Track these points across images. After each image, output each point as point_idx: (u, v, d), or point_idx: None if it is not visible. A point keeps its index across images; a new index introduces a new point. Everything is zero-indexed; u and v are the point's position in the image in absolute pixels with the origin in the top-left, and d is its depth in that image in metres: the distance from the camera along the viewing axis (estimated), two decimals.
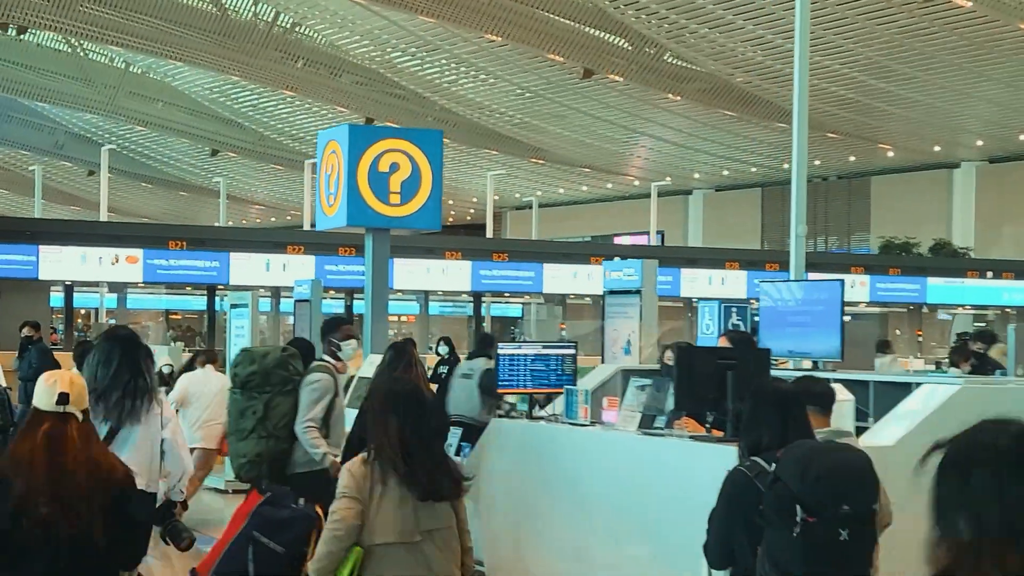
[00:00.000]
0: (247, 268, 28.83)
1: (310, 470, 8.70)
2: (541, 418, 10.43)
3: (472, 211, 56.25)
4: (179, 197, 58.55)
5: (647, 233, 43.09)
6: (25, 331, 18.69)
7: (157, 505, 7.07)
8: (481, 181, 49.93)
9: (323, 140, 13.93)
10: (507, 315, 40.91)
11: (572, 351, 11.30)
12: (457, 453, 11.83)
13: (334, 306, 31.64)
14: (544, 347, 11.27)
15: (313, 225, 36.91)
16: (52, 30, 40.62)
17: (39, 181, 39.07)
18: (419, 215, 13.37)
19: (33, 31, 41.77)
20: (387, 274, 13.73)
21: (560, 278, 31.72)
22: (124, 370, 7.12)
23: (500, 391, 11.01)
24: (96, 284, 31.12)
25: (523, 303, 39.38)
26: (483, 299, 33.45)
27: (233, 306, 17.13)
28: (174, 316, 44.14)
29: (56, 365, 12.46)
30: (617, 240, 50.26)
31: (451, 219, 55.61)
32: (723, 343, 9.77)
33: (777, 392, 5.49)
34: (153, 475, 7.17)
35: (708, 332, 12.55)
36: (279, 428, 8.82)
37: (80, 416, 5.23)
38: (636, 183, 51.00)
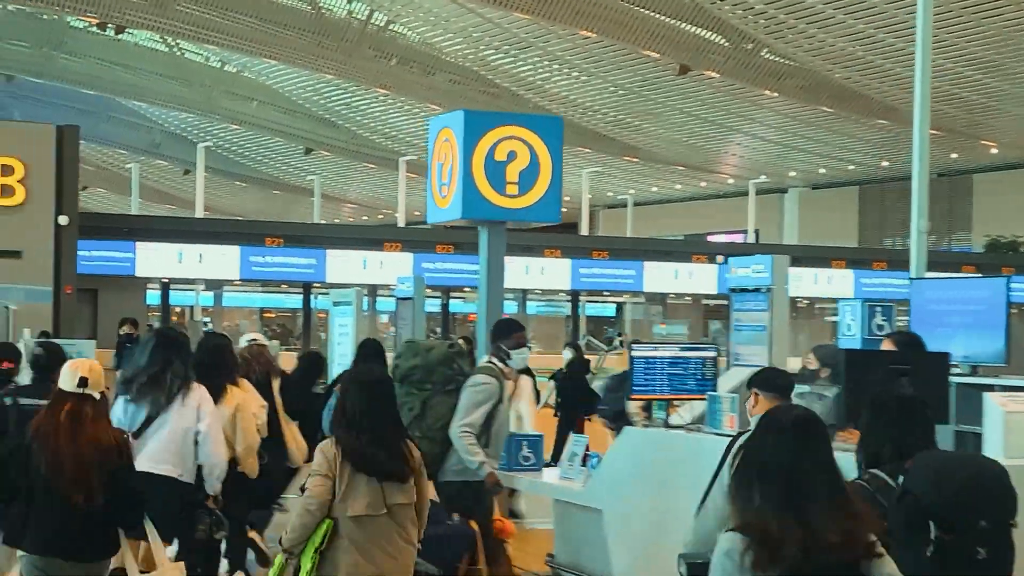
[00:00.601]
0: (344, 265, 28.01)
1: (463, 480, 7.97)
2: (679, 427, 9.43)
3: (564, 210, 54.91)
4: (272, 196, 58.10)
5: (742, 232, 41.90)
6: (124, 328, 17.84)
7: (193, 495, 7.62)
8: (574, 180, 48.91)
9: (435, 128, 12.92)
10: (601, 314, 39.88)
11: (713, 353, 10.21)
12: (584, 462, 10.73)
13: (430, 305, 30.77)
14: (682, 349, 10.18)
15: (408, 223, 36.17)
16: (149, 29, 40.24)
17: (136, 179, 38.62)
18: (538, 207, 12.31)
19: (131, 31, 41.38)
20: (503, 271, 12.72)
21: (661, 276, 30.59)
22: (155, 362, 7.64)
23: (634, 397, 9.98)
24: (192, 281, 30.42)
25: (617, 302, 38.32)
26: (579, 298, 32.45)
27: (336, 304, 16.26)
28: (267, 315, 43.53)
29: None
30: (711, 239, 48.97)
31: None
32: (888, 346, 8.69)
33: (900, 400, 5.02)
34: (186, 464, 7.59)
35: (850, 334, 11.39)
36: (434, 429, 8.06)
37: (97, 396, 6.23)
38: (731, 181, 49.78)
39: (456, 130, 12.32)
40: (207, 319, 35.47)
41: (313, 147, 50.54)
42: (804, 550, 3.54)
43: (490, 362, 8.44)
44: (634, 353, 9.83)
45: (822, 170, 48.00)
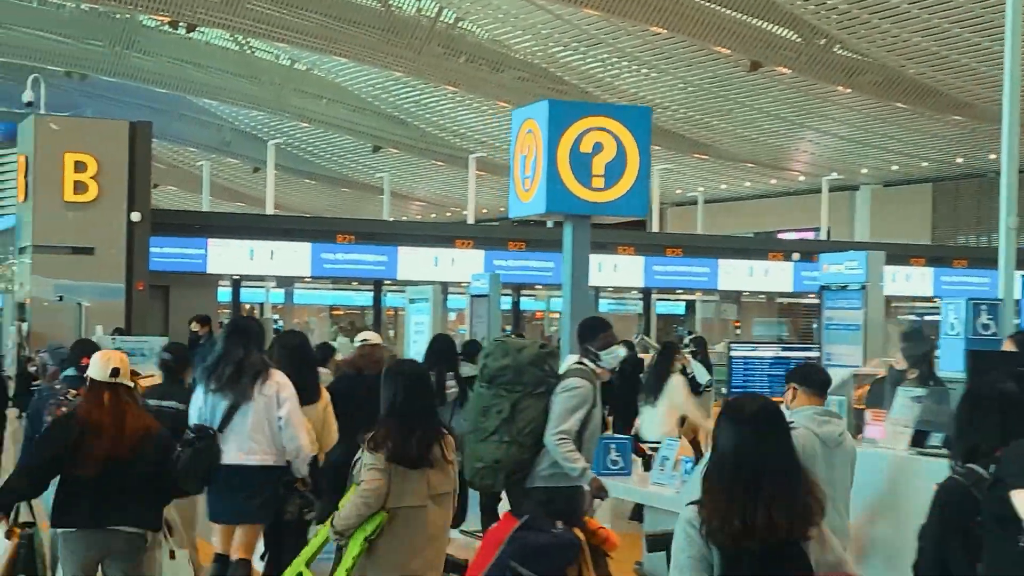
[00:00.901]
0: (415, 262, 27.58)
1: (554, 485, 7.48)
2: None
3: None
4: (341, 193, 57.85)
5: (812, 230, 41.10)
6: (193, 326, 17.39)
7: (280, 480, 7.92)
8: None
9: (518, 119, 12.42)
10: (671, 312, 39.24)
11: (816, 353, 9.63)
12: (676, 467, 10.22)
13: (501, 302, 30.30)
14: (784, 348, 9.60)
15: (477, 220, 35.72)
16: (220, 28, 40.04)
17: (207, 177, 38.42)
18: (624, 201, 11.76)
19: (202, 29, 41.24)
20: (587, 267, 12.17)
21: (735, 274, 29.92)
22: (234, 352, 7.98)
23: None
24: (264, 278, 30.12)
25: (686, 300, 37.66)
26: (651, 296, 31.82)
27: (412, 301, 15.83)
28: (336, 312, 43.22)
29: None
30: (781, 237, 48.16)
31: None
32: (1009, 347, 8.12)
33: (1000, 393, 4.87)
34: (270, 448, 7.89)
35: (953, 333, 10.74)
36: (524, 434, 7.57)
37: (131, 385, 7.01)
38: (801, 178, 48.91)
39: (540, 121, 11.82)
40: (276, 316, 35.24)
41: (381, 145, 50.22)
42: (749, 528, 4.01)
43: (581, 363, 7.94)
44: (733, 353, 9.37)
45: (895, 167, 47.04)
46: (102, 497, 6.73)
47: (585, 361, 7.91)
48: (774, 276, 30.36)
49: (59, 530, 7.06)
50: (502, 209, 57.26)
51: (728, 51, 37.02)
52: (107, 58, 43.51)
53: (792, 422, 6.01)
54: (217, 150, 52.06)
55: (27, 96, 26.95)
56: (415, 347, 15.38)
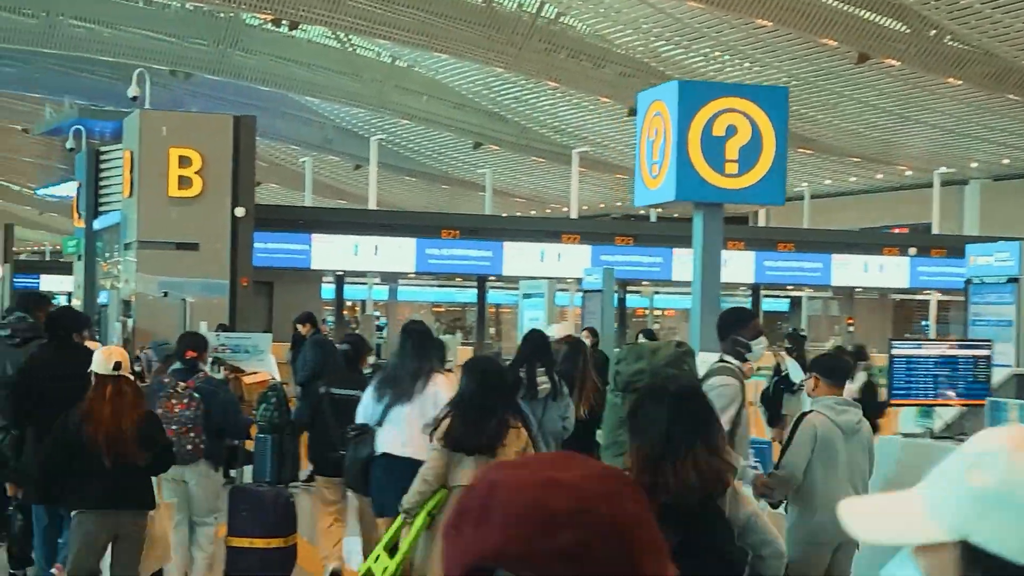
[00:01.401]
0: (520, 258, 26.69)
1: None
2: (947, 438, 7.94)
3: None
4: (441, 190, 57.24)
5: (920, 225, 39.61)
6: (304, 329, 16.41)
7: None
8: None
9: (645, 101, 11.51)
10: (774, 310, 37.99)
11: (987, 352, 8.59)
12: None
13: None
14: (951, 347, 8.60)
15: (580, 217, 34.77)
16: (322, 24, 39.61)
17: (309, 174, 37.90)
18: (759, 188, 10.82)
19: (304, 27, 40.81)
20: (719, 259, 11.24)
21: (849, 270, 28.64)
22: (415, 358, 8.42)
23: (895, 402, 8.50)
24: (367, 274, 29.43)
25: (790, 296, 36.38)
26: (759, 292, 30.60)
27: (526, 296, 14.98)
28: (436, 309, 42.56)
29: (333, 359, 11.56)
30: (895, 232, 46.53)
31: None
32: None
33: None
34: (423, 445, 7.84)
35: None
36: None
37: (132, 377, 7.70)
38: (908, 173, 47.38)
39: (669, 103, 10.91)
40: (377, 313, 34.62)
41: (482, 141, 49.50)
42: (667, 488, 4.57)
43: (724, 361, 7.15)
44: (895, 351, 8.38)
45: (1005, 160, 45.36)
46: (111, 481, 7.34)
47: (728, 358, 7.16)
48: (889, 272, 29.03)
49: (73, 512, 7.60)
50: (602, 205, 56.52)
51: (835, 43, 35.83)
52: (211, 56, 43.30)
53: (812, 410, 7.19)
54: (318, 148, 51.66)
55: (132, 91, 26.48)
56: None
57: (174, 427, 8.66)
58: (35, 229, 75.95)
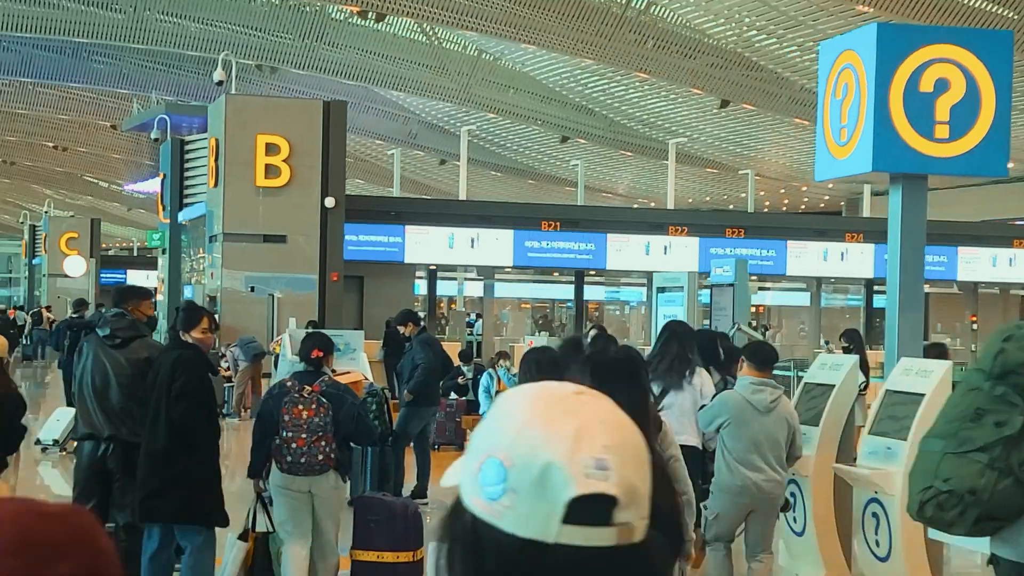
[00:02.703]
0: (624, 251, 24.41)
1: None
2: None
3: (827, 197, 50.55)
4: (527, 186, 54.98)
5: None
6: (407, 330, 14.21)
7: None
8: None
9: (829, 52, 9.17)
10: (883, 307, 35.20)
11: None
12: None
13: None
14: None
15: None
16: (408, 16, 37.66)
17: (398, 165, 35.83)
18: (976, 156, 8.47)
19: (389, 20, 38.91)
20: (922, 240, 8.91)
21: (975, 264, 26.04)
22: (670, 350, 8.89)
23: None
24: (463, 267, 27.25)
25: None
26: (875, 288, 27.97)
27: (661, 290, 12.75)
28: (523, 305, 40.26)
29: (445, 362, 12.61)
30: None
31: (803, 207, 50.13)
32: None
33: None
34: (695, 433, 8.79)
35: None
36: None
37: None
38: (1011, 165, 44.48)
39: (864, 52, 8.56)
40: (465, 309, 32.55)
41: (569, 135, 47.26)
42: None
43: None
44: None
45: None
46: None
47: None
48: (1020, 266, 26.33)
49: None
50: (690, 200, 54.06)
51: None
52: (296, 50, 41.69)
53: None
54: (403, 142, 49.64)
55: (218, 75, 24.48)
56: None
57: (304, 436, 7.94)
58: (124, 226, 74.90)
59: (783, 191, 48.42)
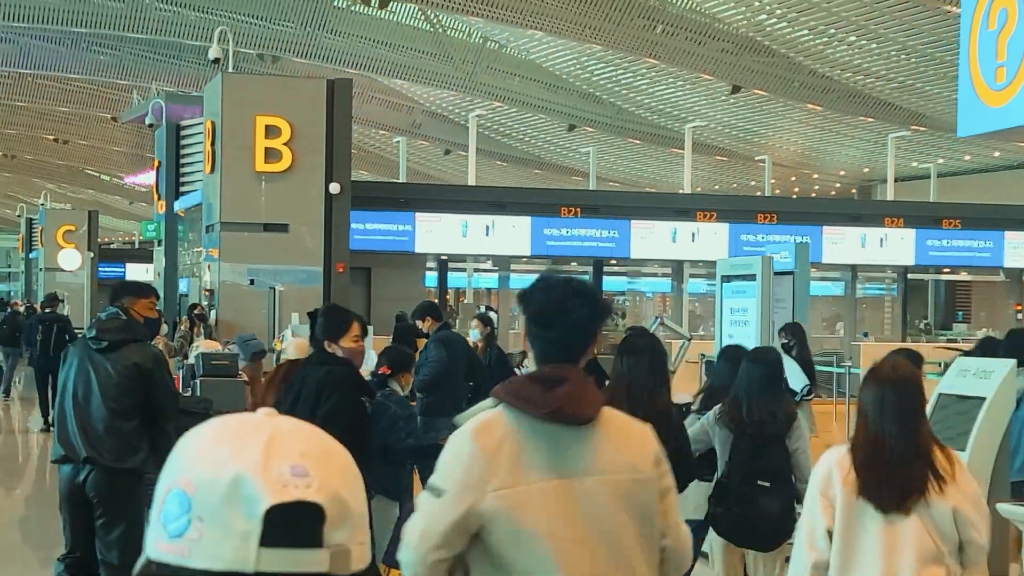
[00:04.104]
0: (648, 239, 22.20)
1: None
2: None
3: (838, 184, 48.33)
4: (534, 175, 52.78)
5: None
6: (426, 325, 12.02)
7: None
8: (848, 152, 42.42)
9: None
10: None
11: None
12: None
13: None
14: None
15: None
16: (411, 2, 35.60)
17: (403, 153, 33.61)
18: None
19: (393, 7, 36.80)
20: None
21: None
22: None
23: None
24: (475, 257, 25.04)
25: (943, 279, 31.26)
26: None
27: (726, 279, 10.55)
28: None
29: (473, 363, 11.46)
30: None
31: (814, 194, 47.92)
32: None
33: None
34: None
35: None
36: None
37: None
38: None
39: None
40: (470, 301, 30.43)
41: (576, 124, 45.08)
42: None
43: None
44: None
45: None
46: None
47: None
48: None
49: None
50: (699, 188, 51.79)
51: (958, 10, 31.03)
52: (298, 39, 39.61)
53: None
54: (407, 132, 47.45)
55: (214, 52, 22.10)
56: (728, 341, 9.95)
57: None
58: (126, 219, 72.79)
59: (794, 179, 46.28)
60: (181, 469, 1.25)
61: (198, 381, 15.02)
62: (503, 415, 3.04)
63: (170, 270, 25.32)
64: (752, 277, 9.99)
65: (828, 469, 4.36)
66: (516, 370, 16.21)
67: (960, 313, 31.61)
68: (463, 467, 3.00)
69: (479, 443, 3.01)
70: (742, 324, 10.20)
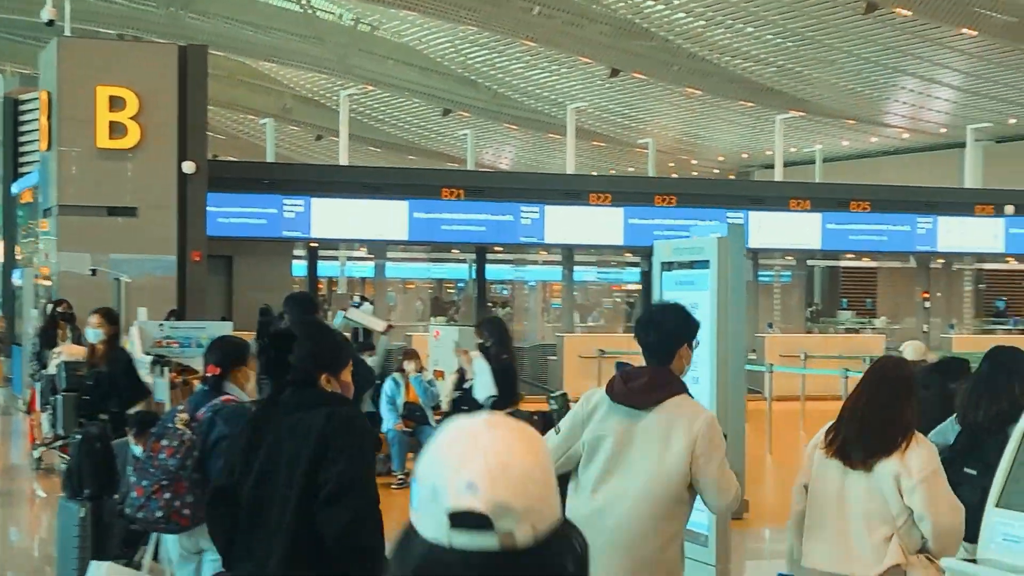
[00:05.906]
0: (537, 223, 19.69)
1: None
2: None
3: (716, 170, 46.45)
4: (407, 161, 50.04)
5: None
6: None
7: None
8: (727, 137, 40.59)
9: None
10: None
11: None
12: None
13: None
14: None
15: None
16: None
17: (271, 135, 30.68)
18: None
19: None
20: None
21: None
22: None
23: None
24: (348, 243, 22.30)
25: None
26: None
27: (667, 267, 8.02)
28: (427, 286, 35.04)
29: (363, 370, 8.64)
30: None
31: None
32: None
33: None
34: None
35: None
36: None
37: None
38: (906, 136, 40.93)
39: None
40: (343, 290, 27.75)
41: (451, 108, 42.50)
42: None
43: None
44: None
45: (1012, 120, 38.78)
46: None
47: None
48: (976, 234, 22.07)
49: None
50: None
51: None
52: (161, 20, 36.48)
53: None
54: (276, 117, 44.38)
55: (47, 13, 18.82)
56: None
57: (144, 484, 5.46)
58: None
59: (672, 164, 44.32)
60: (419, 467, 1.78)
61: (59, 398, 12.04)
62: (603, 393, 4.63)
63: (8, 260, 22.13)
64: (705, 263, 7.51)
65: (818, 435, 4.91)
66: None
67: (845, 300, 29.83)
68: (571, 416, 4.68)
69: (580, 407, 4.68)
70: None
